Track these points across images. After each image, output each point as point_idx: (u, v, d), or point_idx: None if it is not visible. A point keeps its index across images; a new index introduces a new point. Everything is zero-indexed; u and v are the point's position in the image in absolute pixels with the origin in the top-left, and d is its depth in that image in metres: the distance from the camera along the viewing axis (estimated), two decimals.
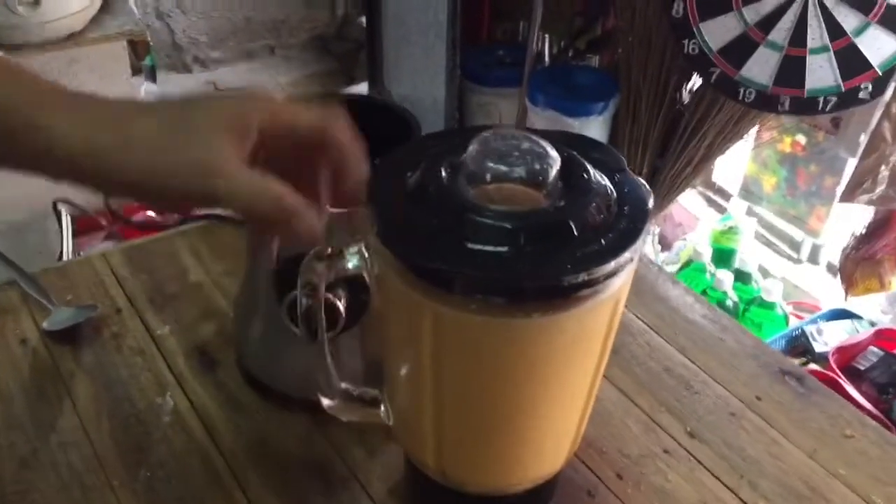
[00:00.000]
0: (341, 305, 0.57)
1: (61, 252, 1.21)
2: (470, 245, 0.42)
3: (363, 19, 1.91)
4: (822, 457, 0.64)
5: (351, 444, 0.62)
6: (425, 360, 0.47)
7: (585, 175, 0.46)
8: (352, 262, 0.48)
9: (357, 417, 0.54)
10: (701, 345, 0.74)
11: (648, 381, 0.70)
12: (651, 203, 0.47)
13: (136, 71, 1.63)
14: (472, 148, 0.46)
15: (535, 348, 0.45)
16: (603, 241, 0.43)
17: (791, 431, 0.66)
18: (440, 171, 0.46)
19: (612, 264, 0.43)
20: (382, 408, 0.54)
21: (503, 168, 0.47)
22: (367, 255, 0.48)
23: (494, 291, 0.42)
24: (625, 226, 0.44)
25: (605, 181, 0.47)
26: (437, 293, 0.43)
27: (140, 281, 0.77)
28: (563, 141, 0.48)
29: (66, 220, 1.23)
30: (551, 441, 0.52)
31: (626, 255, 0.44)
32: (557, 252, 0.42)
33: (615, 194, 0.46)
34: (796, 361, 1.47)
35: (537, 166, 0.46)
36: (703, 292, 1.61)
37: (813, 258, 1.79)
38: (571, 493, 0.60)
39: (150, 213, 1.25)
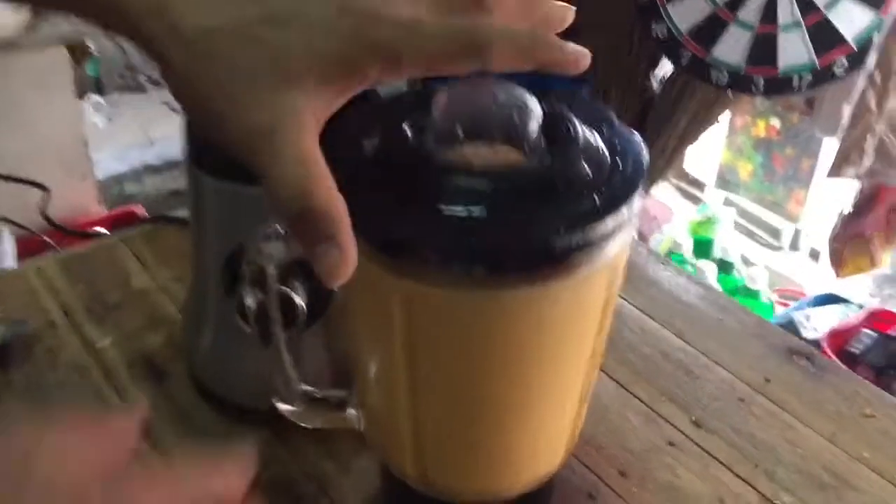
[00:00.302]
0: (298, 299, 0.50)
1: None
2: (443, 210, 0.35)
3: None
4: (842, 440, 0.58)
5: (319, 457, 0.55)
6: (397, 349, 0.40)
7: (571, 129, 0.40)
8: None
9: (322, 423, 0.47)
10: (699, 327, 0.68)
11: (645, 369, 0.64)
12: (646, 156, 0.41)
13: (81, 89, 1.55)
14: (440, 101, 0.39)
15: (524, 327, 0.38)
16: (596, 199, 0.37)
17: (806, 414, 0.60)
18: (404, 133, 0.39)
19: (609, 224, 0.37)
20: (351, 411, 0.47)
21: (478, 124, 0.41)
22: None
23: (473, 260, 0.36)
24: (619, 181, 0.38)
25: (594, 134, 0.41)
26: (408, 268, 0.36)
27: (77, 291, 0.69)
28: (540, 94, 0.42)
29: (10, 242, 1.15)
30: (546, 437, 0.46)
31: (623, 212, 0.37)
32: (545, 212, 0.36)
33: (605, 148, 0.40)
34: None
35: (517, 120, 0.39)
36: None
37: (794, 244, 1.75)
38: (570, 495, 0.54)
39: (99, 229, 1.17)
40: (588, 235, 0.36)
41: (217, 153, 0.50)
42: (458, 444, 0.44)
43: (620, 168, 0.38)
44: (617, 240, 0.38)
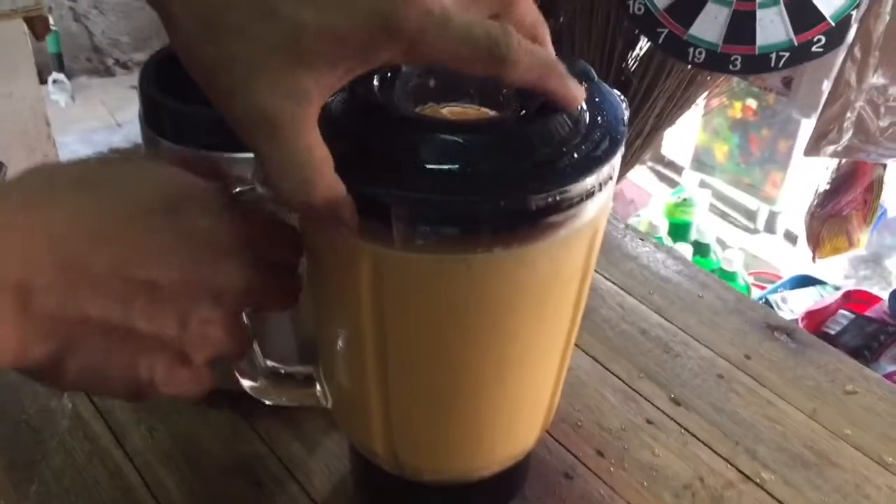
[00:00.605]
0: None
1: None
2: (412, 166, 0.33)
3: None
4: (823, 417, 0.57)
5: (285, 438, 0.53)
6: (365, 319, 0.37)
7: None
8: (268, 205, 0.39)
9: (287, 401, 0.44)
10: (679, 304, 0.66)
11: (623, 346, 0.62)
12: (627, 111, 0.39)
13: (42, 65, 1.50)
14: None
15: (499, 292, 0.36)
16: (575, 155, 0.34)
17: (787, 391, 0.59)
18: (373, 87, 0.37)
19: (589, 181, 0.35)
20: (318, 388, 0.44)
21: (450, 79, 0.39)
22: None
23: (445, 220, 0.33)
24: (599, 137, 0.36)
25: None
26: (374, 230, 0.34)
27: None
28: None
29: None
30: (522, 411, 0.43)
31: (605, 170, 0.35)
32: (522, 169, 0.33)
33: (584, 103, 0.37)
34: None
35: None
36: None
37: (770, 227, 1.74)
38: (546, 475, 0.52)
39: None
40: (566, 195, 0.34)
41: (174, 114, 0.48)
42: (429, 420, 0.42)
43: (600, 123, 0.36)
44: (597, 200, 0.36)
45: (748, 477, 0.52)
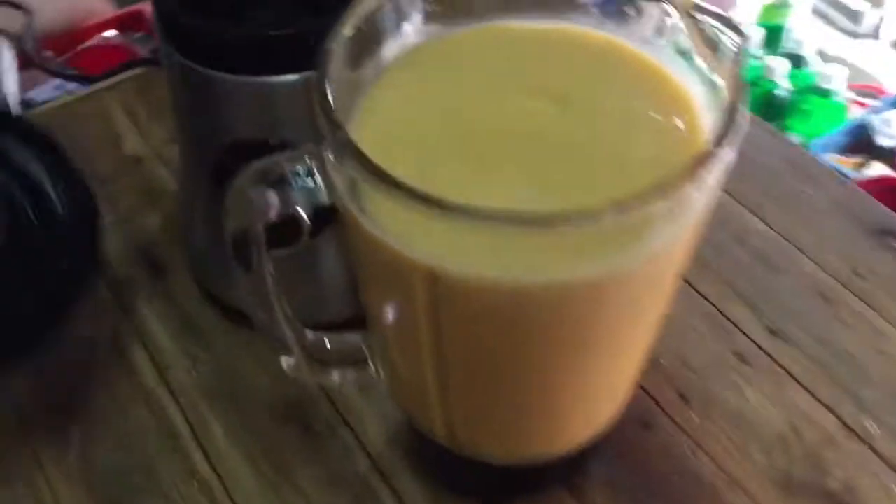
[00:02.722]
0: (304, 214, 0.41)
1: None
2: None
3: None
4: None
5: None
6: (422, 328, 0.32)
7: None
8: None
9: (335, 380, 0.40)
10: (781, 201, 0.58)
11: (715, 258, 0.55)
12: None
13: None
14: None
15: (574, 317, 0.30)
16: None
17: None
18: None
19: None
20: (370, 364, 0.39)
21: None
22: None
23: None
24: None
25: None
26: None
27: None
28: None
29: (9, 56, 1.05)
30: (605, 398, 0.38)
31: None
32: None
33: None
34: (854, 160, 1.30)
35: None
36: (753, 84, 1.41)
37: (875, 33, 1.56)
38: (622, 424, 0.47)
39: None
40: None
41: (197, 31, 0.40)
42: (493, 417, 0.37)
43: None
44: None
45: (849, 426, 0.47)
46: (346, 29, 0.31)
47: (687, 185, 0.26)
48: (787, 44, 1.51)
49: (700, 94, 0.33)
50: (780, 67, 1.39)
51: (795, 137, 1.40)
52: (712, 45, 0.32)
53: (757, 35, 1.47)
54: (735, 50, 0.31)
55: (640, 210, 0.25)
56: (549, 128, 0.32)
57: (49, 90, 1.12)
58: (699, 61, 0.32)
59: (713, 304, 0.52)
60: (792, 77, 1.43)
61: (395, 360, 0.38)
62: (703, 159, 0.26)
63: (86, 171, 0.58)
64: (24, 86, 1.06)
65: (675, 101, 0.33)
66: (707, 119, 0.33)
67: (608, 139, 0.32)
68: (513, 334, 0.30)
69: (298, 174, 0.31)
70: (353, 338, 0.39)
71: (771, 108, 1.40)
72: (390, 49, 0.35)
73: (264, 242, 0.33)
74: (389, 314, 0.34)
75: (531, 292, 0.28)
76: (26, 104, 0.99)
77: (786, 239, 0.56)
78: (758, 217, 0.57)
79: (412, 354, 0.35)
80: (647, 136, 0.32)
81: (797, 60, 1.47)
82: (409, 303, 0.31)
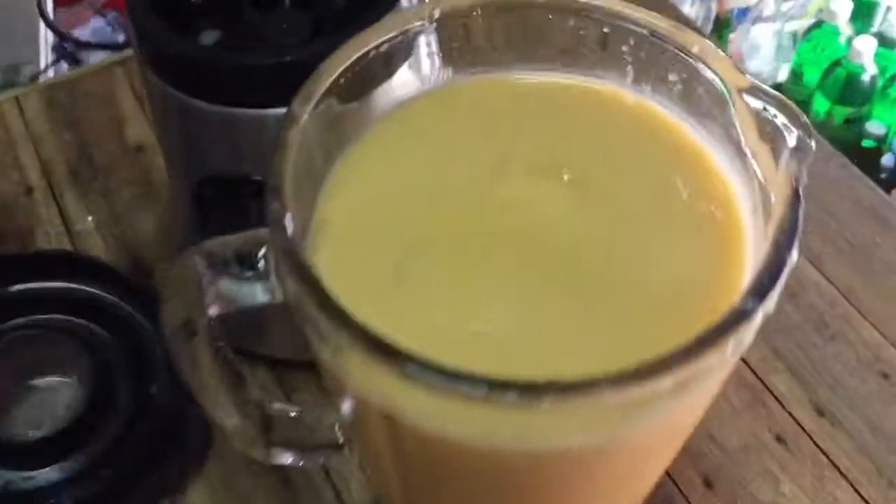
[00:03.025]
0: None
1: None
2: None
3: None
4: None
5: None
6: (382, 447, 0.27)
7: None
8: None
9: (296, 460, 0.35)
10: (845, 250, 0.51)
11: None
12: None
13: None
14: None
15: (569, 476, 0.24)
16: None
17: None
18: None
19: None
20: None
21: None
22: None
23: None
24: None
25: None
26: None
27: (62, 142, 0.56)
28: None
29: None
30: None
31: None
32: None
33: None
34: None
35: None
36: (836, 63, 1.30)
37: None
38: None
39: None
40: None
41: (175, 56, 0.35)
42: None
43: None
44: None
45: None
46: (308, 107, 0.25)
47: (708, 354, 0.20)
48: (878, 22, 1.39)
49: (745, 195, 0.27)
50: (867, 48, 1.28)
51: (878, 127, 1.30)
52: (765, 136, 0.26)
53: (846, 9, 1.34)
54: (794, 145, 0.25)
55: (644, 387, 0.20)
56: (556, 222, 0.27)
57: (89, 32, 1.08)
58: (749, 154, 0.26)
59: (753, 371, 0.46)
60: (878, 57, 1.31)
61: (366, 463, 0.33)
62: (731, 322, 0.21)
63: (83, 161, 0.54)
64: (69, 24, 1.03)
65: (714, 196, 0.27)
66: (749, 223, 0.27)
67: (628, 244, 0.26)
68: (486, 490, 0.25)
69: (253, 264, 0.26)
70: (329, 417, 0.34)
71: (853, 92, 1.29)
72: (381, 99, 0.30)
73: (209, 339, 0.28)
74: (351, 419, 0.29)
75: (511, 457, 0.23)
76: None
77: (846, 298, 0.49)
78: (814, 267, 0.50)
79: (376, 467, 0.30)
80: (678, 243, 0.27)
81: (886, 41, 1.35)
82: (367, 430, 0.26)
